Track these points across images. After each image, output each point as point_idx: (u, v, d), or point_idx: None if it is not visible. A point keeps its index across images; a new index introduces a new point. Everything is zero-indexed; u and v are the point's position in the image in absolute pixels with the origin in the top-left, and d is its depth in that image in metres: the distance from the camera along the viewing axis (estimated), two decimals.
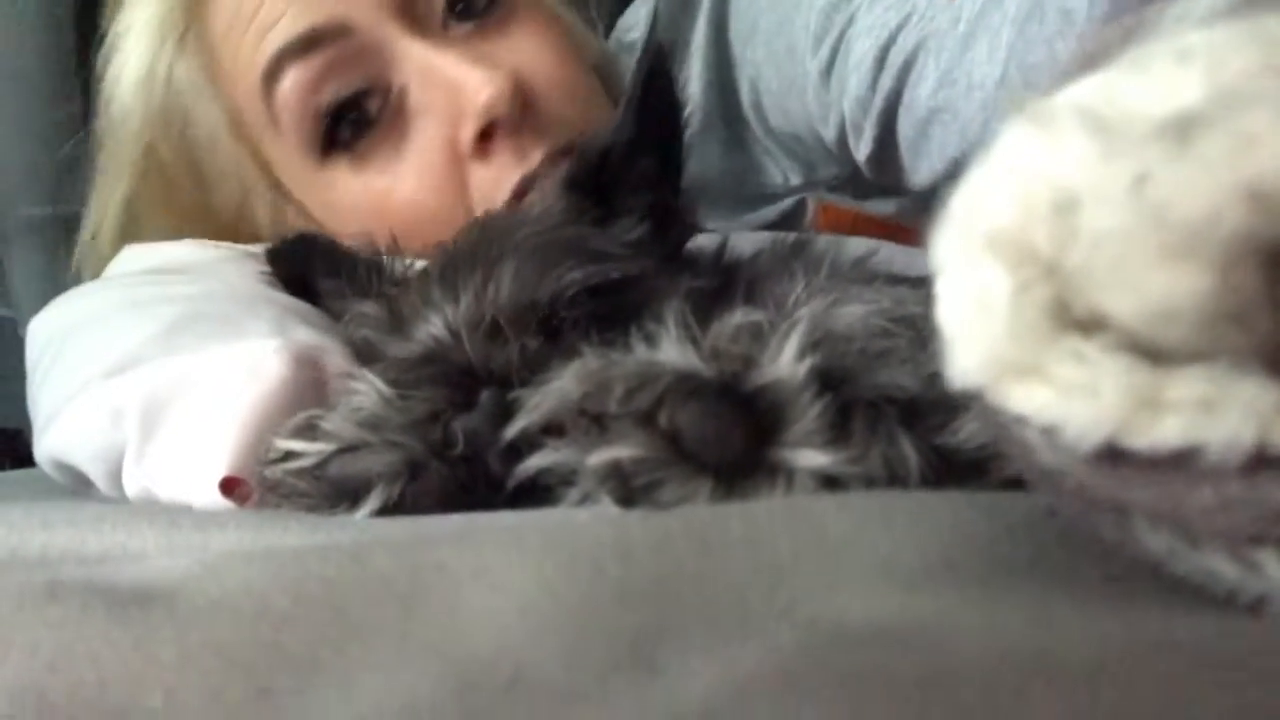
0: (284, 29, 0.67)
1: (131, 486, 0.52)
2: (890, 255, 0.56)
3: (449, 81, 0.67)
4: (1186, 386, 0.20)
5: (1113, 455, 0.21)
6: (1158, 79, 0.21)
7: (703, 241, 0.59)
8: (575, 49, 0.75)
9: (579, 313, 0.48)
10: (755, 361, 0.37)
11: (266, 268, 0.64)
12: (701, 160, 0.83)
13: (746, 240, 0.59)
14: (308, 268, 0.62)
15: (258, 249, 0.67)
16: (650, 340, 0.39)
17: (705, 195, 0.83)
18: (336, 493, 0.42)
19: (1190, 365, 0.20)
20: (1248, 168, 0.19)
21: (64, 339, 0.60)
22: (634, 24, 0.89)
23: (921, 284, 0.46)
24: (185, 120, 0.73)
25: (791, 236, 0.59)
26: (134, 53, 0.73)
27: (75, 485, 0.59)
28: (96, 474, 0.55)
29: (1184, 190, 0.19)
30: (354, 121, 0.69)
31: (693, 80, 0.84)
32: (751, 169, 0.87)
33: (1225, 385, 0.20)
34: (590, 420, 0.37)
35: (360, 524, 0.39)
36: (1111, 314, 0.21)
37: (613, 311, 0.47)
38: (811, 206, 0.91)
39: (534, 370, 0.42)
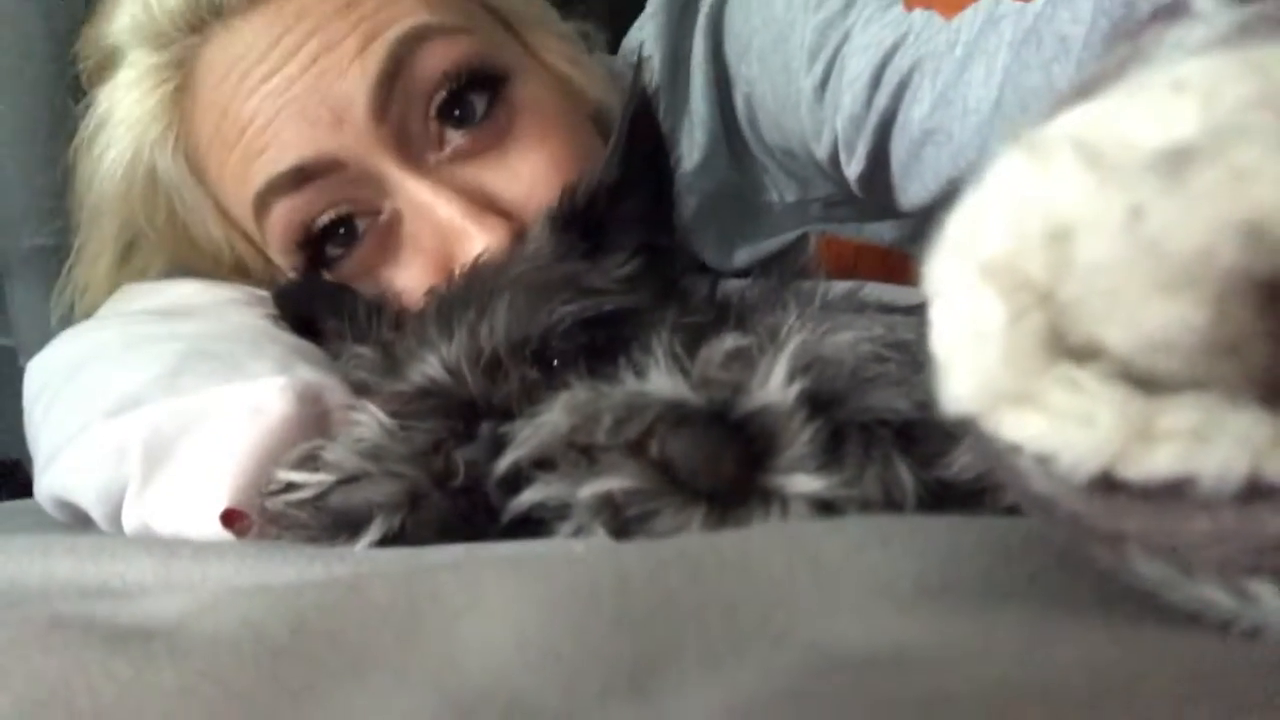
0: (270, 162, 0.65)
1: (130, 522, 0.52)
2: (878, 290, 0.57)
3: (443, 226, 0.64)
4: (1179, 416, 0.20)
5: (1107, 484, 0.21)
6: (1152, 109, 0.21)
7: (696, 280, 0.59)
8: (576, 135, 0.70)
9: (572, 347, 0.48)
10: (744, 387, 0.37)
11: (273, 309, 0.64)
12: (711, 174, 0.83)
13: (736, 282, 0.59)
14: (312, 308, 0.63)
15: (263, 292, 0.68)
16: (639, 371, 0.39)
17: (715, 211, 0.83)
18: (337, 524, 0.42)
19: (1183, 395, 0.20)
20: (1242, 203, 0.19)
21: (64, 378, 0.60)
22: (639, 43, 0.86)
23: (913, 312, 0.47)
24: (169, 205, 0.72)
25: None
26: (116, 138, 0.71)
27: (75, 523, 0.59)
28: (98, 513, 0.55)
29: (1178, 224, 0.19)
30: (342, 238, 0.66)
31: (697, 96, 0.83)
32: (751, 184, 0.87)
33: (1218, 416, 0.20)
34: (580, 452, 0.37)
35: (358, 555, 0.39)
36: (1106, 343, 0.21)
37: (606, 345, 0.48)
38: (813, 240, 0.91)
39: (535, 402, 0.42)
